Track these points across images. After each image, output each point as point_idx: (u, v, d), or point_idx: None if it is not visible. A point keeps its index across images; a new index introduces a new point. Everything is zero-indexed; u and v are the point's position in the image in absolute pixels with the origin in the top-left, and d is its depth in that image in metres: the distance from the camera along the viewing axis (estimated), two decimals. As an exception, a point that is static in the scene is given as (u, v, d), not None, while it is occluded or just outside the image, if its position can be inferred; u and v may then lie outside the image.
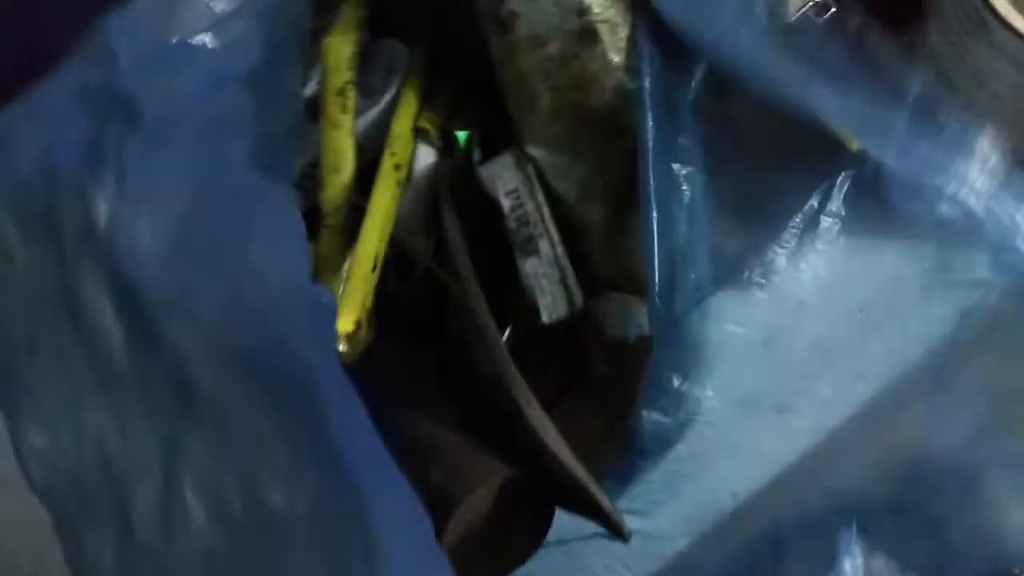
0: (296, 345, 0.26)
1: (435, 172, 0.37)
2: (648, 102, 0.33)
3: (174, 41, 0.31)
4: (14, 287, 0.30)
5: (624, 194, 0.36)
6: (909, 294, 0.34)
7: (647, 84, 0.33)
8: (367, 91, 0.39)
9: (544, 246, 0.33)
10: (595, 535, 0.34)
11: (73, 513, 0.30)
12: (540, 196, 0.33)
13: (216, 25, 0.32)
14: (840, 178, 0.33)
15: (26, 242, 0.29)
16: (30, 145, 0.28)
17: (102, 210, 0.27)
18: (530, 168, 0.34)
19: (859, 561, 0.25)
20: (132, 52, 0.29)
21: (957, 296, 0.33)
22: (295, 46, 0.36)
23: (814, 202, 0.34)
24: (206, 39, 0.31)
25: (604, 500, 0.29)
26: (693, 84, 0.34)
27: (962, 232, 0.31)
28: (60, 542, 0.30)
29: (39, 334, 0.30)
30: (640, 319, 0.36)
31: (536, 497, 0.32)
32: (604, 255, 0.36)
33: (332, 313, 0.29)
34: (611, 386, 0.36)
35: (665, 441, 0.32)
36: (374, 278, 0.34)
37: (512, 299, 0.36)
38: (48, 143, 0.28)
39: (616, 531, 0.29)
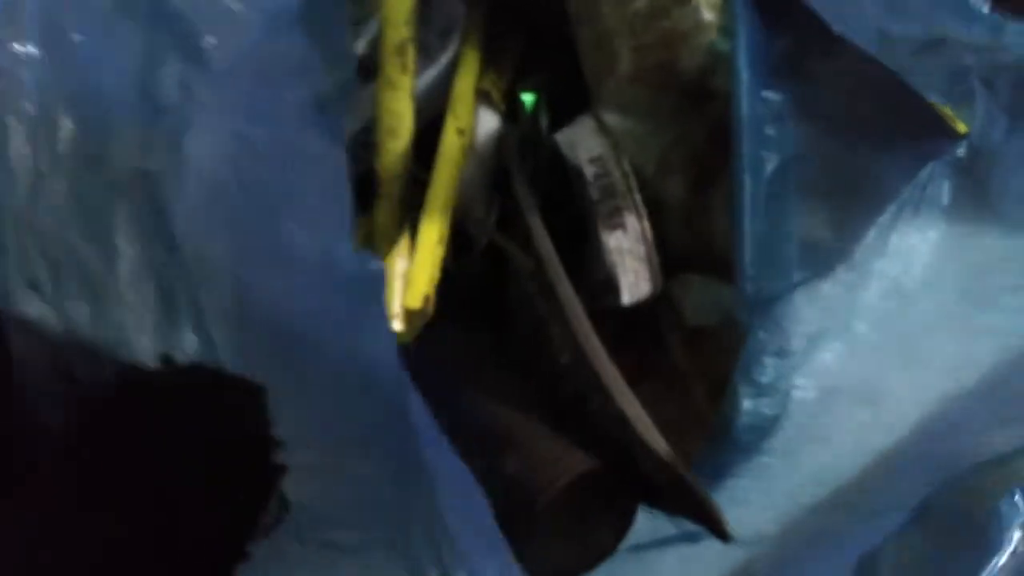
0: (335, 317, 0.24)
1: (501, 138, 0.34)
2: (743, 65, 0.30)
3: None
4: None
5: (707, 167, 0.33)
6: (1012, 280, 0.32)
7: (742, 46, 0.30)
8: (424, 50, 0.36)
9: (631, 220, 0.30)
10: (670, 539, 0.32)
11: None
12: (627, 165, 0.31)
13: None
14: (940, 162, 0.31)
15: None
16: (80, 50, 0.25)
17: (156, 155, 0.24)
18: (611, 135, 0.31)
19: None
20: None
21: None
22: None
23: (913, 187, 0.32)
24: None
25: (705, 495, 0.27)
26: (787, 50, 0.32)
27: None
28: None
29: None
30: (722, 304, 0.34)
31: (619, 492, 0.29)
32: (682, 233, 0.34)
33: (380, 282, 0.26)
34: (690, 374, 0.33)
35: (760, 432, 0.29)
36: (440, 251, 0.31)
37: (580, 281, 0.33)
38: (97, 57, 0.25)
39: (717, 529, 0.27)
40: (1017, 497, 0.22)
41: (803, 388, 0.31)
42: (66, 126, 0.26)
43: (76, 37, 0.26)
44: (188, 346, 0.25)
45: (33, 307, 0.25)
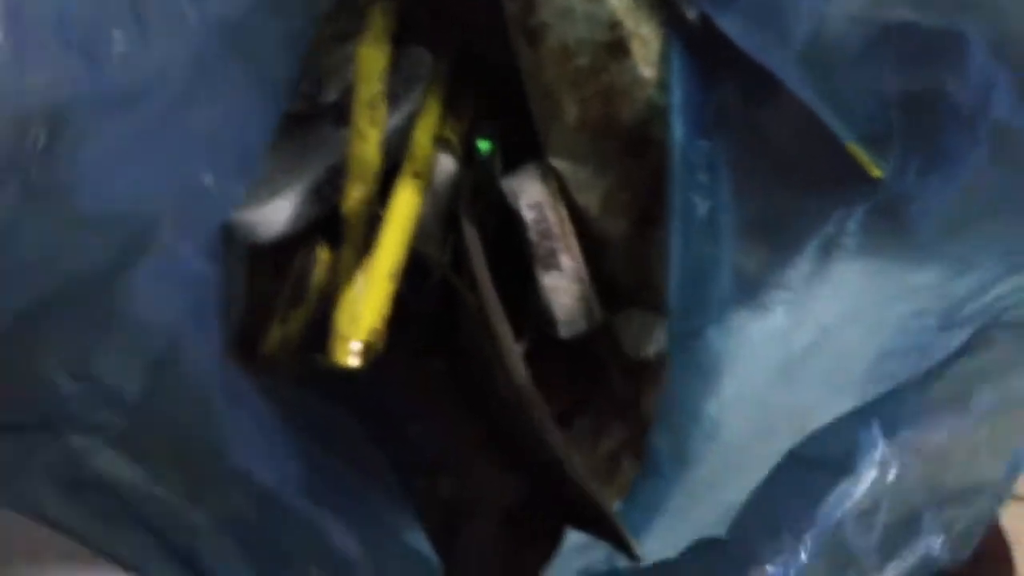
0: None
1: (455, 181, 0.36)
2: (678, 117, 0.32)
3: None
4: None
5: (648, 208, 0.35)
6: (918, 306, 0.33)
7: (677, 99, 0.32)
8: (391, 97, 0.38)
9: (566, 260, 0.32)
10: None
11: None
12: (563, 210, 0.33)
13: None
14: (861, 203, 0.33)
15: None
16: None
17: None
18: (554, 181, 0.34)
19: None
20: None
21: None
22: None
23: (834, 225, 0.33)
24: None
25: (616, 519, 0.28)
26: (723, 100, 0.34)
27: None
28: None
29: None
30: (660, 336, 0.35)
31: (547, 515, 0.31)
32: (625, 270, 0.36)
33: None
34: (629, 404, 0.35)
35: (683, 463, 0.31)
36: (390, 286, 0.33)
37: (527, 313, 0.35)
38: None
39: (628, 551, 0.29)
40: (875, 428, 0.23)
41: (730, 421, 0.32)
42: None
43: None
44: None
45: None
